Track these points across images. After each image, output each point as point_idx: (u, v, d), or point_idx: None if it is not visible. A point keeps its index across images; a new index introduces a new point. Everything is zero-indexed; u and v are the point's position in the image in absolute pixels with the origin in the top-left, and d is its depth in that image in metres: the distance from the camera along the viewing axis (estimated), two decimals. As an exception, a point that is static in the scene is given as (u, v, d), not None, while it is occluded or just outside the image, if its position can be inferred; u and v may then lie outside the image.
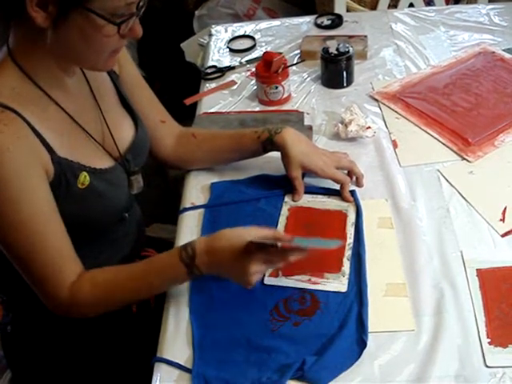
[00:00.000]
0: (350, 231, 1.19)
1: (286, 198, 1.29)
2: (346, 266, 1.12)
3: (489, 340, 0.98)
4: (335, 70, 1.62)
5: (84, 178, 1.06)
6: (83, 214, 1.09)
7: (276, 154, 1.32)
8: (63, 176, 1.02)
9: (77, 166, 1.05)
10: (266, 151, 1.30)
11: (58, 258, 1.01)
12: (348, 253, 1.15)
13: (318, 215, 1.24)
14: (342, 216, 1.23)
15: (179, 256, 1.02)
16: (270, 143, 1.27)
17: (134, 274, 1.07)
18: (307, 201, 1.28)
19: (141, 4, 0.98)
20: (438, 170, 1.32)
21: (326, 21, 1.94)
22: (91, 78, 1.14)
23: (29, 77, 0.98)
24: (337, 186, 1.28)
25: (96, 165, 1.09)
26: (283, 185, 1.31)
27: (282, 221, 1.24)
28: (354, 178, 1.30)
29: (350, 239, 1.18)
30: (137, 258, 1.25)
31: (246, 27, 2.00)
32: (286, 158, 1.26)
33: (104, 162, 1.12)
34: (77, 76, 1.10)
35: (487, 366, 0.94)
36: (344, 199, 1.26)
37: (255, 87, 1.65)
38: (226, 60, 1.84)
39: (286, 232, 1.20)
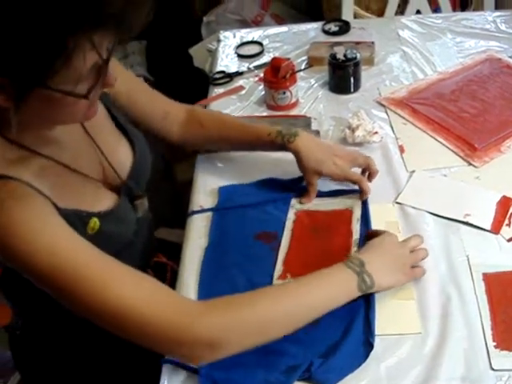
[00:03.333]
0: (356, 228, 1.21)
1: (293, 201, 1.30)
2: None
3: (495, 343, 0.98)
4: (342, 76, 1.63)
5: (94, 224, 1.01)
6: None
7: (284, 157, 1.34)
8: (72, 226, 0.94)
9: (85, 214, 1.00)
10: (279, 151, 1.31)
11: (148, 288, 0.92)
12: (354, 249, 1.16)
13: (324, 217, 1.25)
14: (347, 214, 1.25)
15: (345, 264, 1.02)
16: (283, 148, 1.28)
17: (286, 290, 0.98)
18: (313, 204, 1.29)
19: (108, 50, 0.86)
20: (445, 175, 1.33)
21: (333, 27, 1.95)
22: None
23: (14, 142, 0.93)
24: (344, 186, 1.30)
25: (102, 207, 1.05)
26: (291, 189, 1.32)
27: (289, 225, 1.25)
28: (367, 175, 1.31)
29: (356, 235, 1.20)
30: (148, 267, 1.26)
31: (254, 33, 2.01)
32: (300, 165, 1.27)
33: (109, 201, 1.09)
34: None
35: (493, 369, 0.95)
36: (363, 194, 1.27)
37: (263, 92, 1.66)
38: (234, 65, 1.85)
39: (293, 237, 1.22)
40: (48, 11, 0.75)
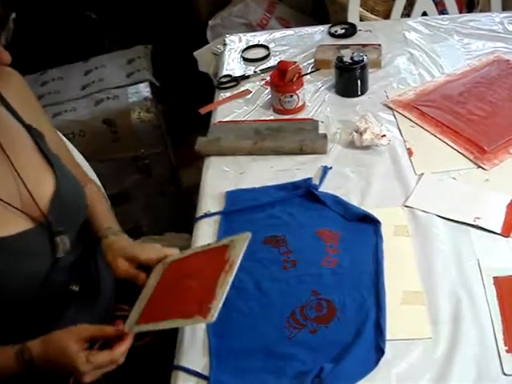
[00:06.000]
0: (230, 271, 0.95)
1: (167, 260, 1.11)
2: (219, 298, 0.91)
3: (506, 348, 0.97)
4: (349, 79, 1.62)
5: None
6: None
7: (289, 163, 1.33)
8: None
9: None
10: None
11: None
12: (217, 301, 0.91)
13: (196, 260, 1.08)
14: (221, 251, 1.01)
15: (16, 360, 0.96)
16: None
17: None
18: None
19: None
20: (454, 178, 1.32)
21: (339, 30, 1.95)
22: (2, 134, 1.04)
23: None
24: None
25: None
26: (297, 190, 1.33)
27: (150, 286, 1.06)
28: None
29: (227, 279, 0.94)
30: (107, 321, 1.17)
31: (260, 37, 2.01)
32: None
33: (14, 227, 0.99)
34: None
35: (505, 374, 0.94)
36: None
37: (270, 96, 1.65)
38: (241, 69, 1.85)
39: (156, 287, 1.05)
40: None
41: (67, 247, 1.08)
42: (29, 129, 1.11)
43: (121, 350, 0.95)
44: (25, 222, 1.01)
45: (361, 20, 2.25)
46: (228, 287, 0.92)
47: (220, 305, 0.89)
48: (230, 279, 0.93)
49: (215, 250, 1.04)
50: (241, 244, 0.99)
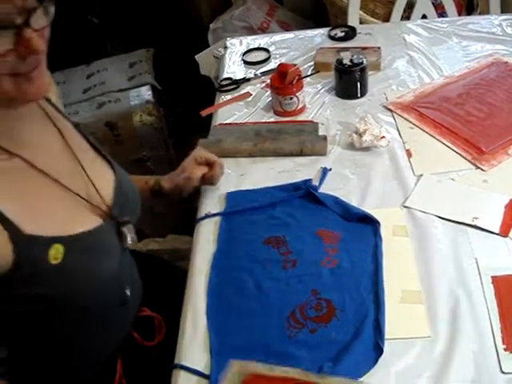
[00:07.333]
0: None
1: None
2: None
3: (504, 346, 0.98)
4: (349, 81, 1.63)
5: (56, 251, 0.89)
6: (62, 294, 0.92)
7: (289, 164, 1.34)
8: (26, 255, 0.85)
9: (45, 240, 0.88)
10: (154, 195, 1.34)
11: None
12: None
13: None
14: None
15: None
16: (159, 191, 1.34)
17: None
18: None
19: (29, 10, 0.81)
20: (453, 179, 1.33)
21: (339, 33, 1.96)
22: (63, 129, 1.05)
23: None
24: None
25: (76, 229, 0.95)
26: (297, 192, 1.33)
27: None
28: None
29: None
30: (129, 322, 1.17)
31: (261, 40, 2.02)
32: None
33: (88, 223, 0.99)
34: (43, 127, 1.01)
35: (503, 372, 0.94)
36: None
37: (270, 99, 1.66)
38: (241, 72, 1.86)
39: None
40: None
41: (133, 235, 1.09)
42: (76, 126, 1.11)
43: None
44: (96, 217, 1.02)
45: (361, 23, 2.26)
46: None
47: None
48: None
49: None
50: None
